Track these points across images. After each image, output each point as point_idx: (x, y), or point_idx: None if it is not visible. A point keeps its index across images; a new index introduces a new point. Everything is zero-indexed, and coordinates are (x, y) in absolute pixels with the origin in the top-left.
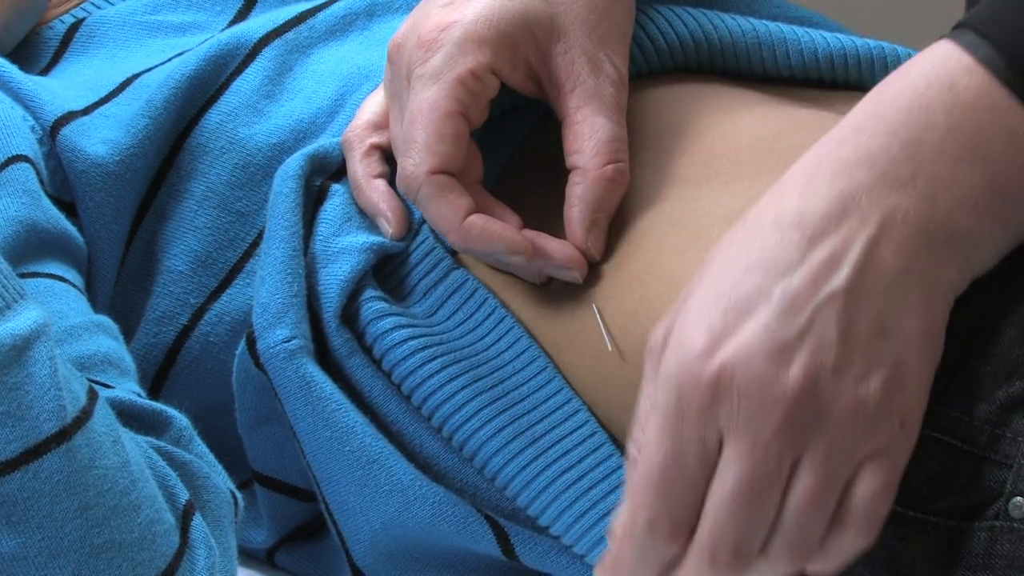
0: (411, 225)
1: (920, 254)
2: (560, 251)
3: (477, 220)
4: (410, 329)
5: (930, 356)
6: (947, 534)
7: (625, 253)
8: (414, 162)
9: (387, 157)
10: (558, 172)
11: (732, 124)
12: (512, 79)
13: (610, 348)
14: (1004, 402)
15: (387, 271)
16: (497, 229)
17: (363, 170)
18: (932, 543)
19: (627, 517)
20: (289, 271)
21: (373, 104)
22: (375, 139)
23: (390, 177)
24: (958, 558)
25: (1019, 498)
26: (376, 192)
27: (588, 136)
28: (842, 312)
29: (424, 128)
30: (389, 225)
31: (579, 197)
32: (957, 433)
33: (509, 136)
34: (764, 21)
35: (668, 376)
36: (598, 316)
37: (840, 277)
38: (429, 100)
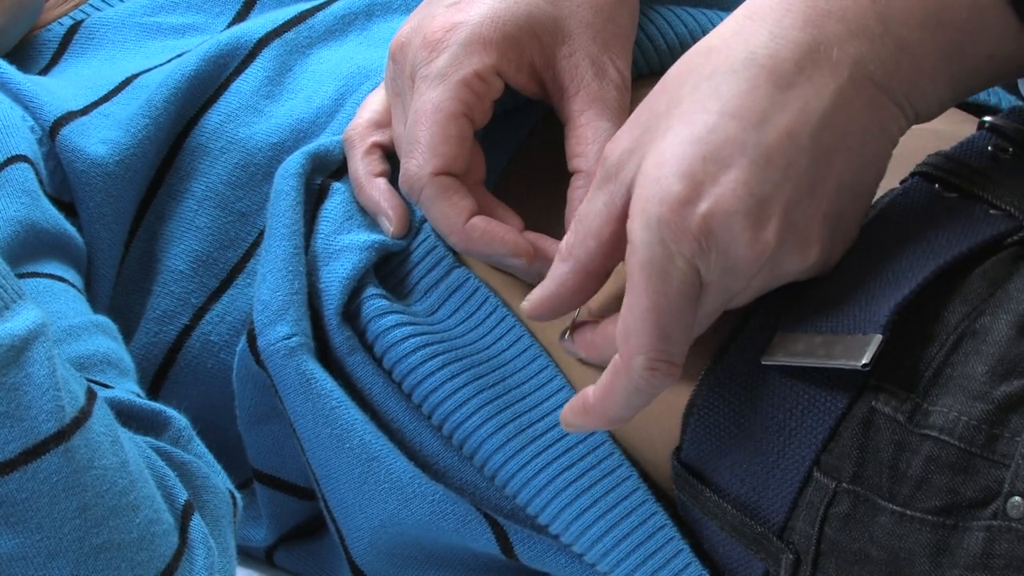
0: (412, 224)
1: (881, 109)
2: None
3: (479, 222)
4: (411, 327)
5: (869, 202)
6: (945, 533)
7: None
8: (417, 163)
9: (388, 155)
10: (560, 172)
11: None
12: (516, 81)
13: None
14: (1002, 401)
15: (388, 269)
16: (499, 232)
17: (364, 168)
18: (930, 542)
19: (623, 367)
20: (290, 268)
21: (374, 103)
22: (376, 137)
23: (392, 175)
24: (956, 558)
25: (1017, 498)
26: (377, 190)
27: (591, 140)
28: (811, 167)
29: (428, 129)
30: (390, 223)
31: (581, 200)
32: (954, 432)
33: (511, 135)
34: None
35: (649, 221)
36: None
37: (811, 129)
38: (434, 101)
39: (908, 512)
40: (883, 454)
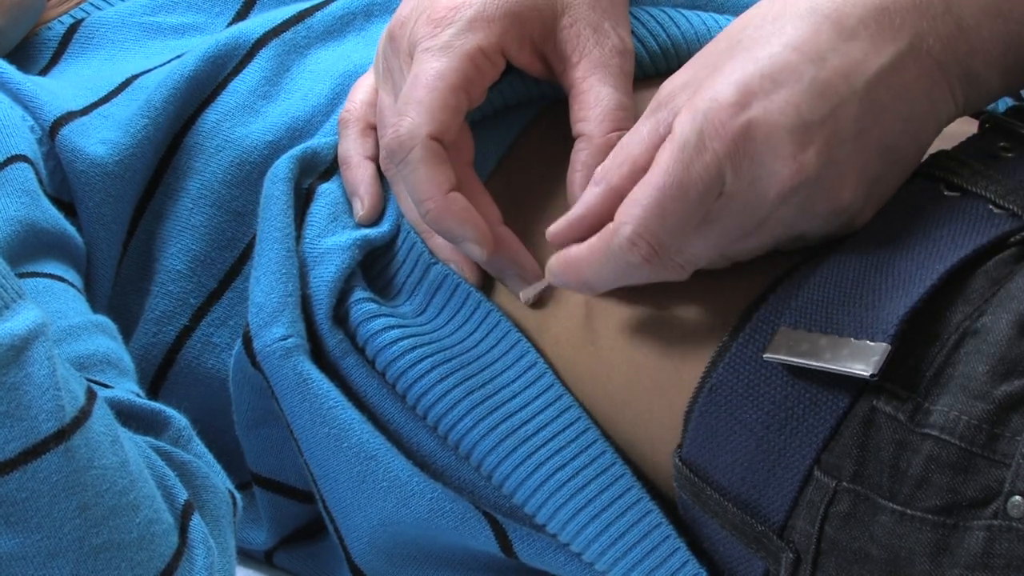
0: (383, 212)
1: (935, 85)
2: (527, 264)
3: (460, 198)
4: (400, 330)
5: (904, 179)
6: (945, 533)
7: None
8: (412, 122)
9: None
10: (551, 169)
11: None
12: (519, 59)
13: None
14: (1002, 401)
15: (376, 270)
16: (473, 214)
17: (356, 149)
18: (930, 542)
19: (609, 229)
20: (283, 271)
21: (368, 83)
22: (372, 119)
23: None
24: (956, 557)
25: (1017, 497)
26: (363, 172)
27: (594, 104)
28: (861, 115)
29: (429, 93)
30: (361, 208)
31: (583, 163)
32: (955, 432)
33: (503, 133)
34: None
35: (695, 112)
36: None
37: (867, 79)
38: (437, 69)
39: (908, 511)
40: (884, 453)
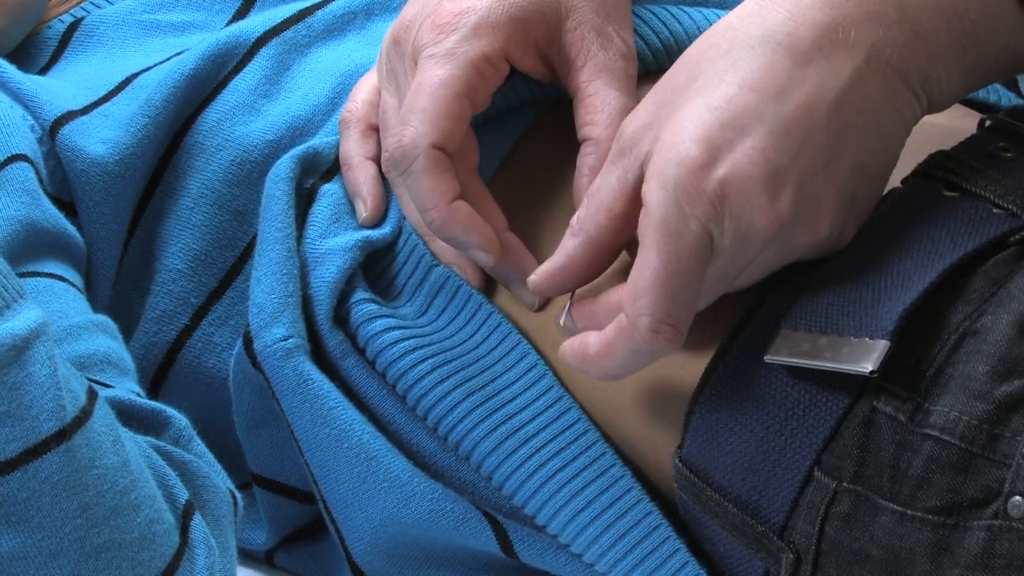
0: (386, 214)
1: (896, 94)
2: (531, 270)
3: (463, 206)
4: (400, 331)
5: (883, 187)
6: (945, 533)
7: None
8: (415, 131)
9: None
10: (554, 171)
11: None
12: (523, 64)
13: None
14: (1002, 401)
15: (377, 271)
16: (478, 222)
17: (358, 150)
18: (930, 542)
19: (627, 326)
20: (284, 271)
21: (369, 84)
22: (374, 119)
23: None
24: (956, 558)
25: (1018, 497)
26: (365, 173)
27: (600, 108)
28: (828, 143)
29: (432, 102)
30: (364, 210)
31: (590, 167)
32: (955, 432)
33: (503, 138)
34: None
35: (666, 183)
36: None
37: (829, 105)
38: (441, 76)
39: (909, 512)
40: (884, 454)
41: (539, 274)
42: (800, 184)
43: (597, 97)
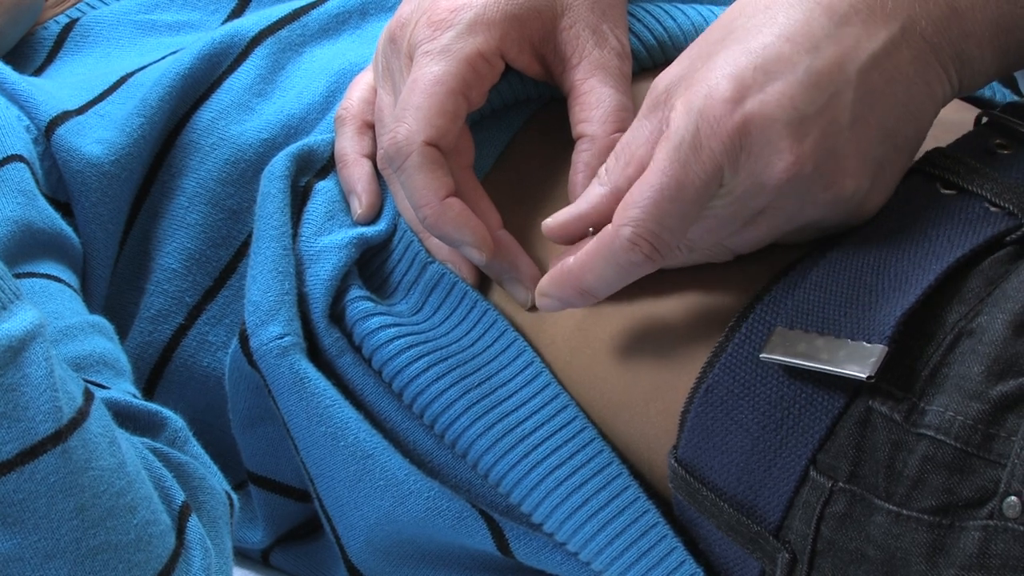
0: (380, 211)
1: (928, 67)
2: (526, 268)
3: (456, 203)
4: (396, 328)
5: (910, 162)
6: (941, 533)
7: None
8: (409, 128)
9: None
10: (546, 175)
11: None
12: (519, 61)
13: None
14: (998, 401)
15: (373, 268)
16: (472, 219)
17: (352, 147)
18: (926, 542)
19: (609, 231)
20: (280, 269)
21: (364, 82)
22: (369, 117)
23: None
24: (952, 557)
25: (1013, 497)
26: (360, 170)
27: (595, 105)
28: (856, 102)
29: (427, 99)
30: (359, 207)
31: (586, 164)
32: (951, 432)
33: (498, 136)
34: None
35: (691, 109)
36: None
37: (860, 65)
38: (435, 73)
39: (904, 512)
40: (879, 454)
41: (556, 219)
42: (824, 136)
43: (592, 95)
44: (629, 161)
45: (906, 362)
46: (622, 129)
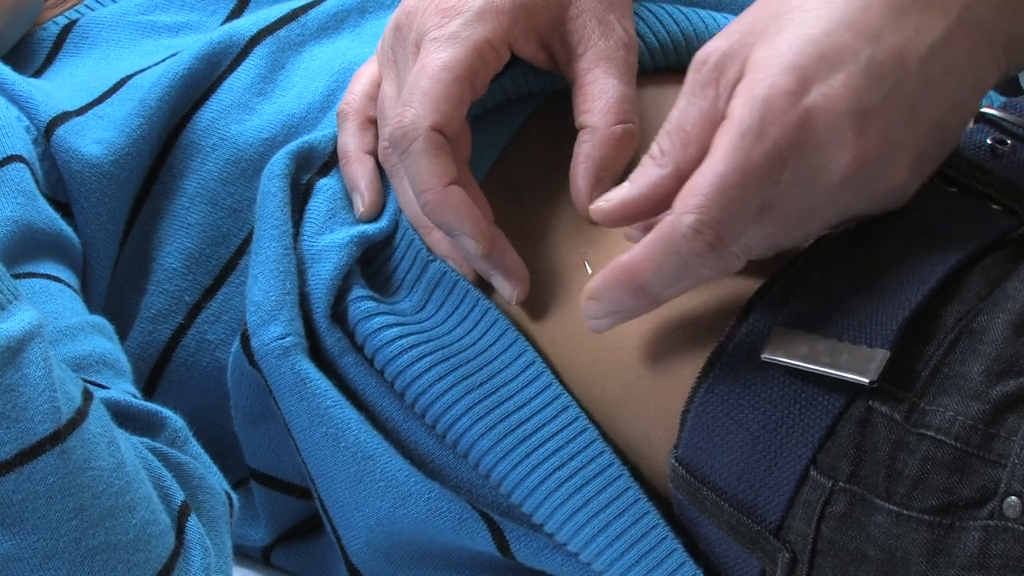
0: (383, 208)
1: (982, 59)
2: (514, 265)
3: (459, 191)
4: (398, 328)
5: (947, 154)
6: (941, 533)
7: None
8: (416, 113)
9: None
10: (547, 171)
11: None
12: (525, 50)
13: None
14: (998, 401)
15: (376, 266)
16: (473, 209)
17: (355, 143)
18: (926, 542)
19: (670, 221)
20: (281, 269)
21: (367, 75)
22: (371, 112)
23: None
24: (952, 558)
25: (1013, 497)
26: (363, 167)
27: (598, 96)
28: (915, 94)
29: (434, 84)
30: (362, 204)
31: (586, 155)
32: (951, 432)
33: (499, 132)
34: None
35: (754, 98)
36: (587, 266)
37: (920, 56)
38: (443, 60)
39: (904, 512)
40: (880, 453)
41: (609, 200)
42: (885, 127)
43: (595, 85)
44: (688, 142)
45: (906, 362)
46: (624, 121)
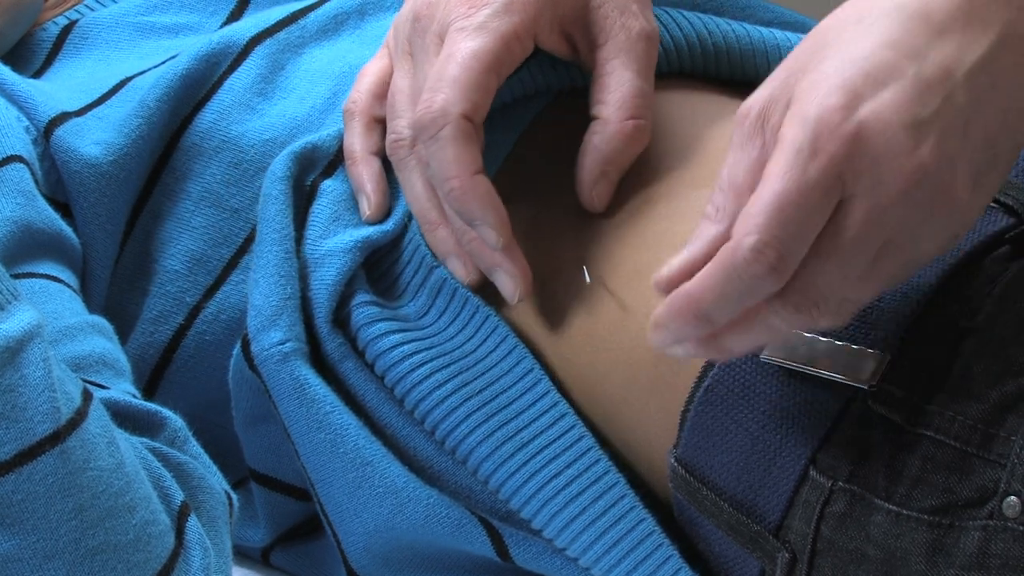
0: (390, 211)
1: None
2: (517, 264)
3: (485, 181)
4: (400, 334)
5: (1002, 180)
6: (941, 533)
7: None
8: (447, 98)
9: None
10: (556, 170)
11: (724, 130)
12: (549, 42)
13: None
14: (998, 401)
15: (382, 269)
16: (497, 200)
17: (362, 144)
18: (926, 542)
19: (730, 245)
20: (282, 274)
21: (372, 72)
22: (378, 111)
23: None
24: (952, 557)
25: (1013, 497)
26: (369, 169)
27: (614, 88)
28: (966, 107)
29: (464, 71)
30: (368, 207)
31: (594, 147)
32: (951, 432)
33: (509, 130)
34: (758, 27)
35: (806, 119)
36: (585, 273)
37: (967, 70)
38: (472, 48)
39: (904, 511)
40: (880, 453)
41: (671, 269)
42: (942, 139)
43: (612, 77)
44: (741, 193)
45: (906, 362)
46: (637, 116)
